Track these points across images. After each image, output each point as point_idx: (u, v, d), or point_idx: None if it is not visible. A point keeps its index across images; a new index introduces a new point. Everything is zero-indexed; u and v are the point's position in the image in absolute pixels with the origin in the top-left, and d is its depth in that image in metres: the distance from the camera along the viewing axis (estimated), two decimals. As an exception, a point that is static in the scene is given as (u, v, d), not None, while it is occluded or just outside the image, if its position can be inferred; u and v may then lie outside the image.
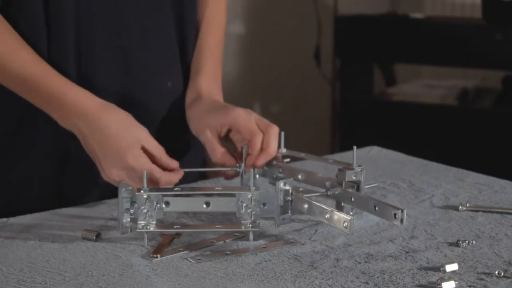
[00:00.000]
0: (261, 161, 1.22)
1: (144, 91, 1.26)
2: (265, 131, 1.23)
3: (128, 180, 1.15)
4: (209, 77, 1.34)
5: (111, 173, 1.17)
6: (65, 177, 1.27)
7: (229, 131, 1.26)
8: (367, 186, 1.18)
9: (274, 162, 1.26)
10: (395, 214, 1.04)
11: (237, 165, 1.25)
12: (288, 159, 1.27)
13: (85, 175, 1.26)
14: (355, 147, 1.16)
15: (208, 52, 1.36)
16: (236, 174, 1.26)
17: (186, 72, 1.34)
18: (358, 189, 1.15)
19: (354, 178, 1.15)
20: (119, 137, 1.17)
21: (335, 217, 1.05)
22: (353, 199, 1.13)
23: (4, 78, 1.19)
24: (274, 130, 1.23)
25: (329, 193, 1.16)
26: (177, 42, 1.32)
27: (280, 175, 1.24)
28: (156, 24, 1.28)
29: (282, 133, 1.27)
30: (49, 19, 1.19)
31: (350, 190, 1.14)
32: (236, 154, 1.27)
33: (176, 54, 1.32)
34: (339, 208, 1.15)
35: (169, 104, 1.31)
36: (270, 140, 1.22)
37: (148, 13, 1.27)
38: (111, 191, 1.18)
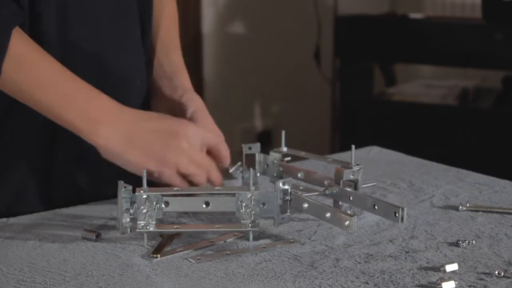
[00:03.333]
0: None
1: (118, 91, 1.25)
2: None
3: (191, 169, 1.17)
4: (186, 73, 1.36)
5: (179, 143, 1.17)
6: (52, 185, 1.26)
7: None
8: (365, 185, 1.18)
9: (275, 161, 1.26)
10: (395, 213, 1.04)
11: (239, 163, 1.26)
12: (288, 158, 1.28)
13: (70, 184, 1.26)
14: (353, 146, 1.16)
15: (175, 48, 1.38)
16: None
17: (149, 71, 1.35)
18: (355, 188, 1.15)
19: (351, 177, 1.15)
20: (167, 118, 1.19)
21: (337, 216, 1.05)
22: (351, 198, 1.13)
23: (31, 87, 1.15)
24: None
25: (327, 192, 1.16)
26: (141, 41, 1.33)
27: (281, 173, 1.24)
28: (126, 25, 1.29)
29: (283, 132, 1.27)
30: (32, 23, 1.18)
31: (348, 189, 1.14)
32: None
33: (141, 52, 1.32)
34: (337, 207, 1.15)
35: (139, 104, 1.31)
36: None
37: (119, 14, 1.27)
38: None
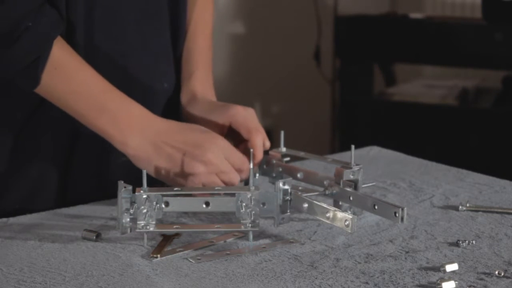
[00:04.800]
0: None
1: (142, 94, 1.27)
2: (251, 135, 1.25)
3: (219, 160, 1.17)
4: (202, 79, 1.35)
5: (206, 155, 1.16)
6: (70, 180, 1.27)
7: (230, 129, 1.27)
8: (365, 185, 1.18)
9: (274, 161, 1.26)
10: (395, 213, 1.04)
11: None
12: (287, 158, 1.28)
13: (89, 179, 1.27)
14: (353, 146, 1.16)
15: (198, 54, 1.37)
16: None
17: (178, 73, 1.35)
18: (355, 188, 1.15)
19: (351, 177, 1.15)
20: (198, 129, 1.20)
21: (337, 216, 1.05)
22: (351, 198, 1.13)
23: (64, 94, 1.17)
24: (259, 137, 1.24)
25: (327, 192, 1.16)
26: (170, 44, 1.33)
27: (280, 174, 1.24)
28: (153, 27, 1.29)
29: (282, 132, 1.27)
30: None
31: (348, 189, 1.14)
32: None
33: (170, 55, 1.33)
34: (337, 207, 1.15)
35: (165, 106, 1.32)
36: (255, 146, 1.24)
37: (145, 17, 1.27)
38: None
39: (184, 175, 1.17)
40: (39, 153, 1.25)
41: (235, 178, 1.18)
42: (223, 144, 1.19)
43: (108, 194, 1.24)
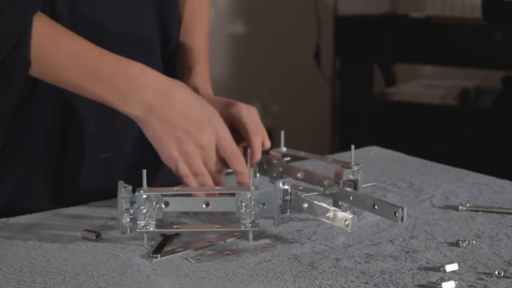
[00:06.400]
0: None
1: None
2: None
3: (211, 146, 1.16)
4: (203, 74, 1.35)
5: (202, 137, 1.16)
6: (64, 178, 1.27)
7: (232, 126, 1.27)
8: (364, 185, 1.18)
9: (274, 161, 1.26)
10: (395, 213, 1.04)
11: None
12: (288, 158, 1.28)
13: (82, 178, 1.26)
14: (353, 146, 1.16)
15: (197, 51, 1.37)
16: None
17: (168, 65, 1.34)
18: (355, 188, 1.15)
19: (351, 177, 1.15)
20: (201, 105, 1.18)
21: (337, 216, 1.05)
22: (351, 198, 1.13)
23: (54, 67, 1.15)
24: (258, 137, 1.24)
25: (327, 192, 1.16)
26: (159, 36, 1.32)
27: (281, 174, 1.24)
28: (136, 21, 1.28)
29: (282, 132, 1.27)
30: (46, 12, 1.18)
31: (347, 189, 1.14)
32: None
33: (156, 48, 1.32)
34: (337, 207, 1.15)
35: None
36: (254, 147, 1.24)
37: (127, 11, 1.27)
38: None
39: (176, 151, 1.16)
40: (28, 152, 1.24)
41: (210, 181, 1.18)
42: (220, 129, 1.18)
43: (102, 194, 1.24)
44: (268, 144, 1.26)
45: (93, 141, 1.25)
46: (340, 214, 1.05)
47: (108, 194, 1.23)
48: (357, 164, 1.16)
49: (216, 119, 1.19)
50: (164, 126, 1.16)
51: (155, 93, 1.16)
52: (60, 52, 1.15)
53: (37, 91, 1.21)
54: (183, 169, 1.17)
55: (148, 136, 1.17)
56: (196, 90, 1.31)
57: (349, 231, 1.04)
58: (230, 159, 1.19)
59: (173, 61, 1.37)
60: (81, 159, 1.25)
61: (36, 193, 1.25)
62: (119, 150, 1.28)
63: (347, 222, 1.03)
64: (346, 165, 1.16)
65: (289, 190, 1.10)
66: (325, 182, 1.18)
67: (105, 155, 1.25)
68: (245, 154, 1.25)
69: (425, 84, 3.39)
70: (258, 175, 1.26)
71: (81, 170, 1.26)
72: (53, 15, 1.18)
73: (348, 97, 3.31)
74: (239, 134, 1.25)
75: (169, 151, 1.16)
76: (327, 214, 1.06)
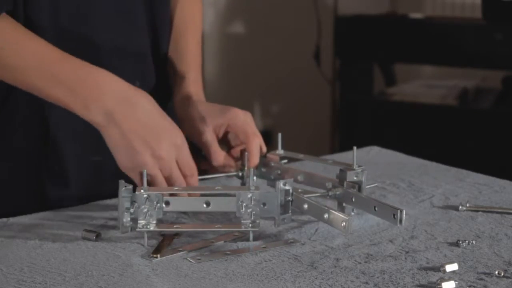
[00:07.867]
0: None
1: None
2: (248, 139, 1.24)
3: (170, 158, 1.13)
4: (196, 80, 1.35)
5: (160, 148, 1.13)
6: (45, 179, 1.26)
7: (226, 132, 1.27)
8: (367, 186, 1.18)
9: (272, 164, 1.26)
10: (394, 215, 1.04)
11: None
12: (285, 160, 1.28)
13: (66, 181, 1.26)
14: (355, 148, 1.16)
15: (189, 56, 1.37)
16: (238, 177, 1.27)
17: (160, 71, 1.34)
18: (359, 189, 1.15)
19: (355, 178, 1.15)
20: (162, 116, 1.15)
21: (333, 217, 1.05)
22: (354, 200, 1.13)
23: (16, 70, 1.14)
24: (256, 141, 1.24)
25: (330, 193, 1.16)
26: (149, 42, 1.31)
27: (279, 176, 1.24)
28: (126, 27, 1.27)
29: (280, 135, 1.27)
30: (27, 24, 1.18)
31: (351, 190, 1.14)
32: (230, 156, 1.28)
33: (147, 53, 1.31)
34: (341, 208, 1.15)
35: None
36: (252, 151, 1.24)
37: (117, 16, 1.26)
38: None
39: (134, 161, 1.14)
40: (10, 154, 1.24)
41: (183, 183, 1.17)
42: (179, 143, 1.16)
43: (91, 198, 1.24)
44: (264, 149, 1.27)
45: (80, 143, 1.24)
46: (337, 215, 1.05)
47: (98, 198, 1.23)
48: (359, 166, 1.16)
49: (177, 132, 1.17)
50: (123, 134, 1.13)
51: (117, 100, 1.13)
52: (21, 56, 1.14)
53: (16, 93, 1.20)
54: (137, 180, 1.14)
55: (108, 143, 1.15)
56: (189, 97, 1.32)
57: (345, 232, 1.04)
58: (187, 176, 1.17)
59: (165, 67, 1.37)
60: (67, 162, 1.25)
61: (18, 196, 1.25)
62: (109, 154, 1.27)
63: (343, 224, 1.04)
64: (349, 167, 1.16)
65: (290, 191, 1.10)
66: (328, 184, 1.18)
67: (94, 159, 1.24)
68: (242, 157, 1.26)
69: (425, 84, 3.39)
70: (255, 178, 1.25)
71: (68, 172, 1.26)
72: (37, 27, 1.18)
73: (348, 97, 3.31)
74: (234, 138, 1.26)
75: (126, 160, 1.14)
76: (325, 215, 1.07)
